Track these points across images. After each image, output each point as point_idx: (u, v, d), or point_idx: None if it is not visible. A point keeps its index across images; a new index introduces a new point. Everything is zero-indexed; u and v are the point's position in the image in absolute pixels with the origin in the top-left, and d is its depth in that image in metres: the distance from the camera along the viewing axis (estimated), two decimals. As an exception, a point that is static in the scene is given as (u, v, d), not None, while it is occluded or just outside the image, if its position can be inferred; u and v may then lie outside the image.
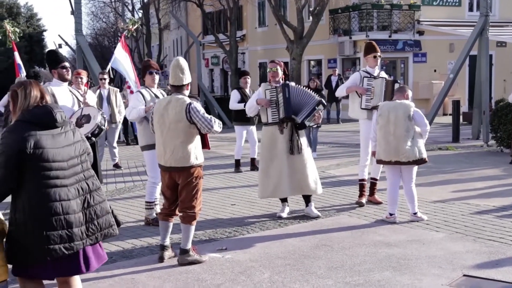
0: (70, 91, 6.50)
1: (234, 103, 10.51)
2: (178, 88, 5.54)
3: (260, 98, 7.20)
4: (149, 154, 6.80)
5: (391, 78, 8.05)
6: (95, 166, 7.95)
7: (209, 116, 5.43)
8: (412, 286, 4.89)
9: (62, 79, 6.25)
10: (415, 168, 7.03)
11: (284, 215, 7.26)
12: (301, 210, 7.40)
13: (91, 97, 7.40)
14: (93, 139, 6.34)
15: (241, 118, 10.44)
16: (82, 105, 6.46)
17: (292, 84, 7.20)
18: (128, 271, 5.39)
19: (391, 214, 6.98)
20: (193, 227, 5.55)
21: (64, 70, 6.24)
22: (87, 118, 6.22)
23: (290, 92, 7.01)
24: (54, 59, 6.26)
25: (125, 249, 6.07)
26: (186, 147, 5.42)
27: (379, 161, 7.10)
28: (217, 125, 5.49)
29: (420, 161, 6.87)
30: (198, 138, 5.53)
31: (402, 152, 6.79)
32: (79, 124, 6.16)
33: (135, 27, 12.20)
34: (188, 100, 5.45)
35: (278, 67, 7.23)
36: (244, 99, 10.34)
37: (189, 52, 35.64)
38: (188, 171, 5.47)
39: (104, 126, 6.31)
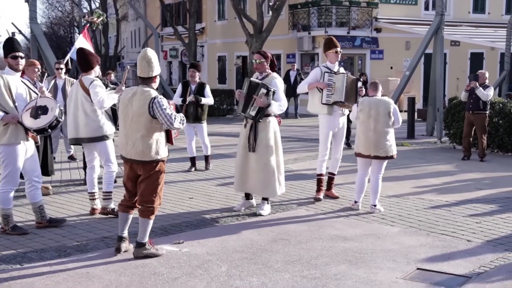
0: (22, 81, 6.30)
1: (176, 97, 9.95)
2: (145, 80, 5.42)
3: (238, 90, 7.14)
4: (103, 145, 6.80)
5: (351, 74, 8.11)
6: (45, 157, 7.87)
7: (170, 112, 5.32)
8: (368, 280, 4.96)
9: (12, 68, 6.07)
10: (385, 162, 7.29)
11: (239, 209, 7.24)
12: (259, 204, 7.40)
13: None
14: (50, 131, 6.21)
15: (187, 115, 9.47)
16: (36, 96, 6.28)
17: (275, 76, 7.08)
18: (82, 264, 5.29)
19: (355, 202, 7.33)
20: (151, 221, 5.49)
21: (14, 60, 6.04)
22: (43, 110, 6.05)
23: (249, 87, 6.92)
24: (7, 47, 6.08)
25: (79, 242, 5.95)
26: (147, 141, 5.34)
27: (357, 154, 7.29)
28: (177, 122, 5.37)
29: (393, 157, 7.20)
30: (161, 133, 5.42)
31: (382, 147, 7.06)
32: (35, 116, 6.01)
33: (100, 19, 11.87)
34: (153, 94, 5.33)
35: (264, 60, 7.07)
36: (186, 93, 9.77)
37: (147, 44, 35.13)
38: (149, 165, 5.40)
39: (61, 118, 6.20)
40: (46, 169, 7.95)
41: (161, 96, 5.39)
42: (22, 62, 6.16)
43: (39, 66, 7.92)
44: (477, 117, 11.18)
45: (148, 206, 5.42)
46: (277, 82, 7.02)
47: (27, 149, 6.19)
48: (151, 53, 5.42)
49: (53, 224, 6.48)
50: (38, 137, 6.38)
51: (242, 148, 7.05)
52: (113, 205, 6.94)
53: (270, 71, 7.14)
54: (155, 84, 5.52)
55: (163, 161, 5.48)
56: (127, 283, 4.85)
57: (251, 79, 7.06)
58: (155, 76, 5.46)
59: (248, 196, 7.37)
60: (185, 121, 5.53)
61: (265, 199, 7.20)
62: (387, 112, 7.03)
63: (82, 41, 11.26)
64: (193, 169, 10.04)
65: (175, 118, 5.34)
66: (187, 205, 7.59)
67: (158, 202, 5.49)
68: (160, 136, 5.41)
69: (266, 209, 7.13)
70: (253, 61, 7.18)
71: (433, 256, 5.56)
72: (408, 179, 9.39)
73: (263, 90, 6.84)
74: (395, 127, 7.20)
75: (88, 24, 12.60)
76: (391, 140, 7.12)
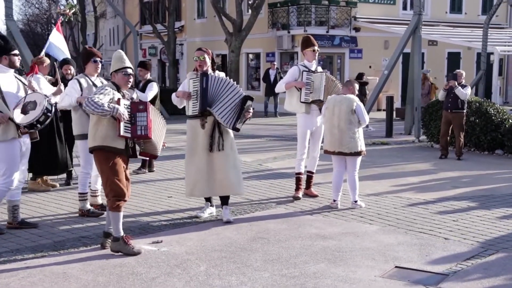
0: (16, 77, 6.26)
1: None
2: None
3: (179, 91, 6.75)
4: (83, 144, 6.69)
5: (329, 74, 8.13)
6: (56, 154, 7.96)
7: (94, 96, 5.25)
8: (346, 278, 4.97)
9: (12, 66, 6.11)
10: (359, 159, 7.36)
11: (204, 215, 6.83)
12: (237, 203, 7.39)
13: (45, 85, 7.36)
14: (39, 126, 6.07)
15: None
16: (27, 92, 6.22)
17: (217, 74, 6.67)
18: (59, 264, 5.22)
19: (334, 200, 7.37)
20: (116, 214, 5.45)
21: (16, 57, 6.13)
22: (33, 105, 5.99)
23: (209, 82, 6.50)
24: (5, 45, 6.12)
25: (56, 242, 5.88)
26: (93, 128, 5.45)
27: (325, 151, 7.43)
28: (93, 105, 5.17)
29: (360, 153, 7.26)
30: (101, 120, 5.36)
31: (345, 143, 7.14)
32: (25, 111, 5.95)
33: (72, 11, 11.74)
34: (106, 83, 5.50)
35: (206, 55, 6.65)
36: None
37: (126, 42, 34.99)
38: (94, 154, 5.54)
39: (50, 112, 6.07)
40: (57, 165, 8.18)
41: (108, 88, 5.42)
42: (19, 59, 6.26)
43: (48, 62, 8.20)
44: (456, 116, 11.29)
45: (108, 198, 5.49)
46: None
47: (21, 146, 6.14)
48: (116, 52, 5.68)
49: (24, 227, 6.33)
50: (37, 132, 6.30)
51: (203, 149, 6.57)
52: (88, 205, 6.89)
53: (211, 69, 6.71)
54: (115, 80, 5.59)
55: (101, 149, 5.41)
56: (104, 283, 4.81)
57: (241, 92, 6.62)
58: (111, 73, 5.60)
59: (211, 202, 6.97)
60: (105, 109, 5.20)
61: (225, 204, 6.78)
62: (349, 110, 7.11)
63: (55, 35, 11.16)
64: (145, 170, 9.69)
65: (91, 101, 5.19)
66: (165, 204, 7.54)
67: (112, 193, 5.41)
68: (100, 123, 5.39)
69: (230, 214, 6.81)
70: (194, 58, 6.71)
71: (411, 254, 5.60)
72: (387, 177, 9.46)
73: (250, 102, 6.56)
74: (362, 125, 7.24)
75: (61, 17, 12.48)
76: (356, 137, 7.17)
